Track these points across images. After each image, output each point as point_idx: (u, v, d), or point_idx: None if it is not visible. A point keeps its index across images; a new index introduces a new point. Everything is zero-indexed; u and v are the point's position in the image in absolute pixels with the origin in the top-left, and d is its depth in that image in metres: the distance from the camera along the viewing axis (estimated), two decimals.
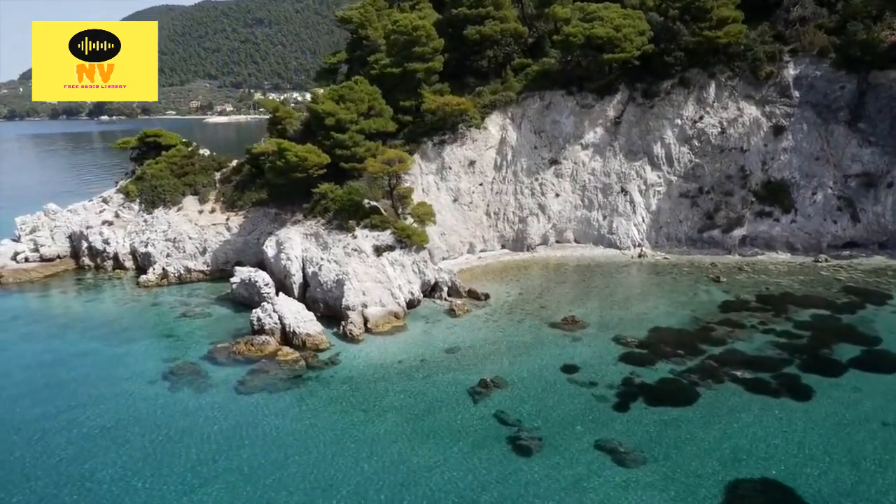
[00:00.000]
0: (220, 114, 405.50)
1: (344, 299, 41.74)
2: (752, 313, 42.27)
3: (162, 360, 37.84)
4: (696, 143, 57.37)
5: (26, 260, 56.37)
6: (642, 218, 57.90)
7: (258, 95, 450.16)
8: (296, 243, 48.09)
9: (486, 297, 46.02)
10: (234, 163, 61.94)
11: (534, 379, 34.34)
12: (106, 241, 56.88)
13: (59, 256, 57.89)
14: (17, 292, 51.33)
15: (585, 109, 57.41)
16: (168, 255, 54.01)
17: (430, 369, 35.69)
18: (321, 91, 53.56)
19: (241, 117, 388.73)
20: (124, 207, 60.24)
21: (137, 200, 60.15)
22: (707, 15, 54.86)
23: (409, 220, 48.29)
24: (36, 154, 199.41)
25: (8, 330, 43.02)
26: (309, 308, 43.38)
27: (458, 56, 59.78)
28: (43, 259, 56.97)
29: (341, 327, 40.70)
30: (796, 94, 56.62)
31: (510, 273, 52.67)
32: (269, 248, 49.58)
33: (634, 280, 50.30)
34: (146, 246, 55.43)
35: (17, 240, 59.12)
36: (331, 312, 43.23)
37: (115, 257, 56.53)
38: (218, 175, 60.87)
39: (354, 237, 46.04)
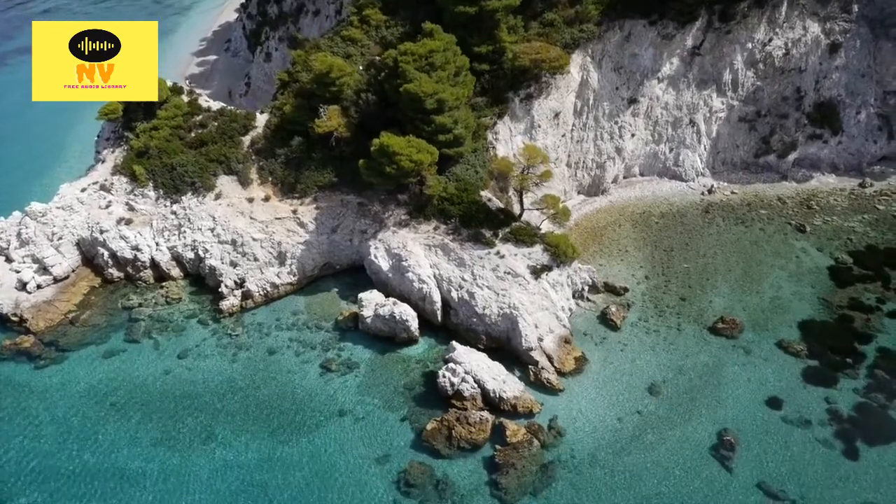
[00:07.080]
0: None
1: (523, 340, 39.47)
2: (864, 286, 46.46)
3: (374, 461, 34.98)
4: (761, 66, 55.68)
5: (38, 287, 44.94)
6: (705, 147, 57.49)
7: None
8: (421, 258, 42.99)
9: (625, 290, 45.64)
10: (264, 119, 50.15)
11: (754, 425, 36.89)
12: (136, 248, 46.30)
13: (72, 270, 46.70)
14: (67, 348, 41.66)
15: (666, 40, 52.36)
16: (234, 265, 45.64)
17: (653, 428, 36.69)
18: (398, 53, 43.27)
19: None
20: (136, 196, 48.07)
21: (151, 185, 48.06)
22: None
23: (540, 219, 44.41)
24: None
25: (137, 442, 36.01)
26: (461, 338, 41.01)
27: None
28: (57, 280, 45.74)
29: (531, 373, 39.24)
30: (855, 8, 55.62)
31: (607, 235, 51.56)
32: (381, 260, 43.95)
33: (729, 237, 51.42)
34: (195, 251, 46.19)
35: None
36: (496, 345, 41.13)
37: (154, 265, 46.76)
38: (247, 141, 49.51)
39: (501, 256, 41.91)
